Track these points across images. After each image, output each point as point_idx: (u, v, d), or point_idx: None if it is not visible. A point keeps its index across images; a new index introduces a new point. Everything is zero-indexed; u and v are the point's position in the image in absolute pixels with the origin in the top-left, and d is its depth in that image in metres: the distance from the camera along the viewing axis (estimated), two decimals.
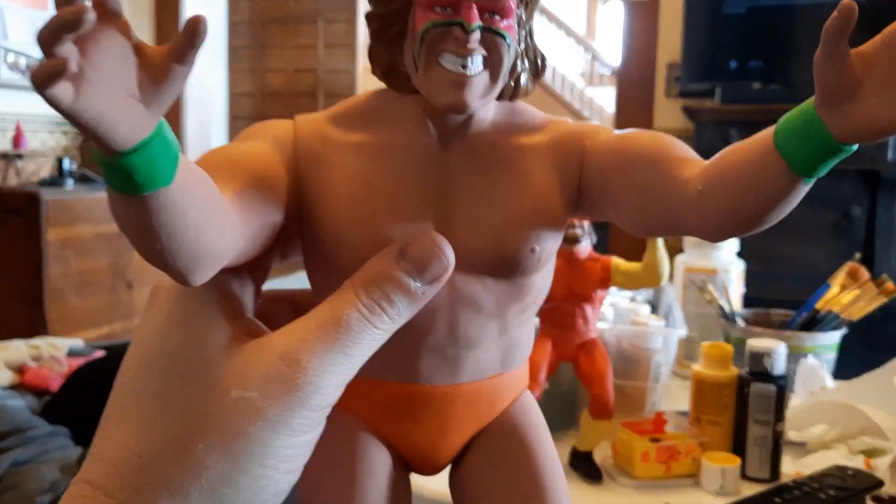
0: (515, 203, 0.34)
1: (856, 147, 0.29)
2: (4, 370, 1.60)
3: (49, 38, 0.20)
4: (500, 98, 0.35)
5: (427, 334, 0.33)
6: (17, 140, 3.08)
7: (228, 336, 0.29)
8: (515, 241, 0.33)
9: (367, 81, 6.48)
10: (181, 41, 0.22)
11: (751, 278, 1.23)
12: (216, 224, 0.27)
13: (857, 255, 1.11)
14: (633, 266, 0.79)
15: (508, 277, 0.34)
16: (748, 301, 1.24)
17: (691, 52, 3.05)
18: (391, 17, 0.33)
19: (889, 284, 1.02)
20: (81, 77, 0.21)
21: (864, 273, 1.09)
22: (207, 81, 3.98)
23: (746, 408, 0.82)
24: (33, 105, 3.25)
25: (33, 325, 2.91)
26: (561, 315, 0.80)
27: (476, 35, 0.31)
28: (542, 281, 0.36)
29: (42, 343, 1.74)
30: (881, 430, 0.86)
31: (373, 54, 0.35)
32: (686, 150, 0.34)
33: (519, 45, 0.34)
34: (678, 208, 0.33)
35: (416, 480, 0.70)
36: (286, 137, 0.34)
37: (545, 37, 7.24)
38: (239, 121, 5.77)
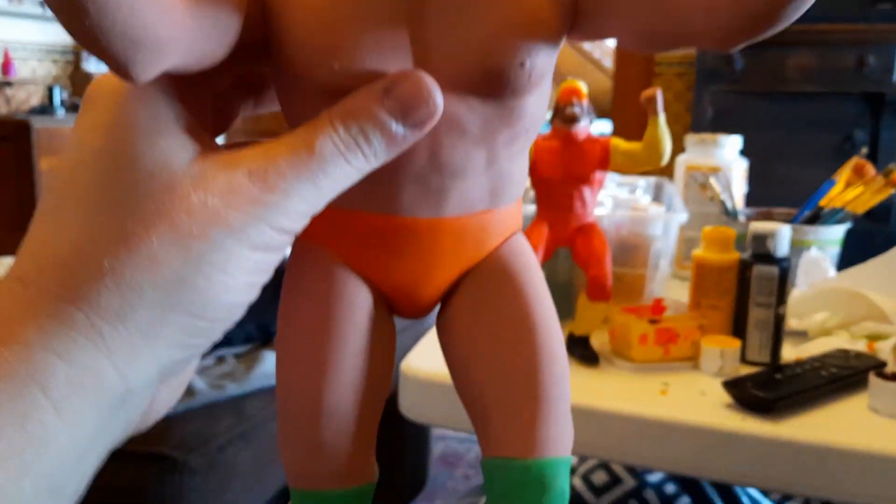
0: (502, 8, 0.29)
1: None
2: None
3: None
4: None
5: (408, 161, 0.30)
6: (5, 67, 3.03)
7: (187, 144, 0.26)
8: (502, 53, 0.29)
9: None
10: None
11: (754, 200, 1.21)
12: (162, 8, 0.23)
13: (864, 150, 1.08)
14: (633, 145, 0.77)
15: (496, 97, 0.30)
16: (747, 199, 1.22)
17: None
18: None
19: None
20: None
21: (870, 169, 1.07)
22: None
23: (748, 291, 0.80)
24: (22, 32, 3.19)
25: None
26: (558, 197, 0.78)
27: None
28: (534, 106, 0.32)
29: None
30: (885, 315, 0.85)
31: None
32: None
33: None
34: (685, 9, 0.29)
35: (408, 361, 0.68)
36: None
37: None
38: None
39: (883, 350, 0.80)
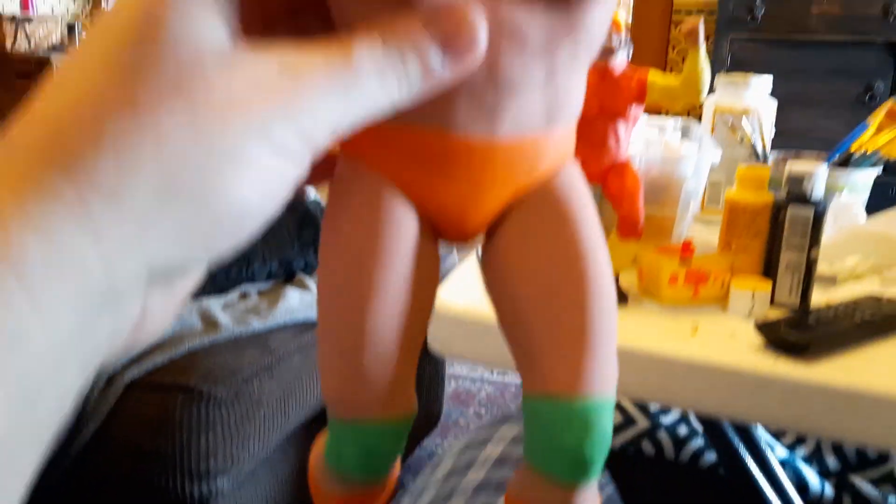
0: None
1: None
2: None
3: None
4: None
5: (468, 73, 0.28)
6: (25, 3, 3.00)
7: (223, 26, 0.24)
8: None
9: None
10: None
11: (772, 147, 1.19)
12: None
13: None
14: (671, 79, 0.75)
15: (562, 5, 0.29)
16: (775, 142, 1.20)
17: None
18: None
19: None
20: None
21: None
22: None
23: (781, 232, 0.79)
24: None
25: None
26: (592, 132, 0.77)
27: None
28: (599, 17, 0.30)
29: None
30: None
31: None
32: None
33: None
34: None
35: (441, 299, 0.67)
36: None
37: None
38: None
39: None
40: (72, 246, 0.20)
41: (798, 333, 0.67)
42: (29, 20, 2.98)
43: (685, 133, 1.13)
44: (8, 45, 2.92)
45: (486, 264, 0.33)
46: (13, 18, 2.94)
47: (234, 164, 0.22)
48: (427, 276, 0.32)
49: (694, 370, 0.68)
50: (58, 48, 3.01)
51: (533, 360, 0.31)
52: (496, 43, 0.28)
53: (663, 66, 3.53)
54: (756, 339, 0.70)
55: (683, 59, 0.75)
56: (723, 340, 0.71)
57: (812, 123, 2.82)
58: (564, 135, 0.32)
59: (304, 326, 1.41)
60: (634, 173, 0.77)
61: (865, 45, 2.76)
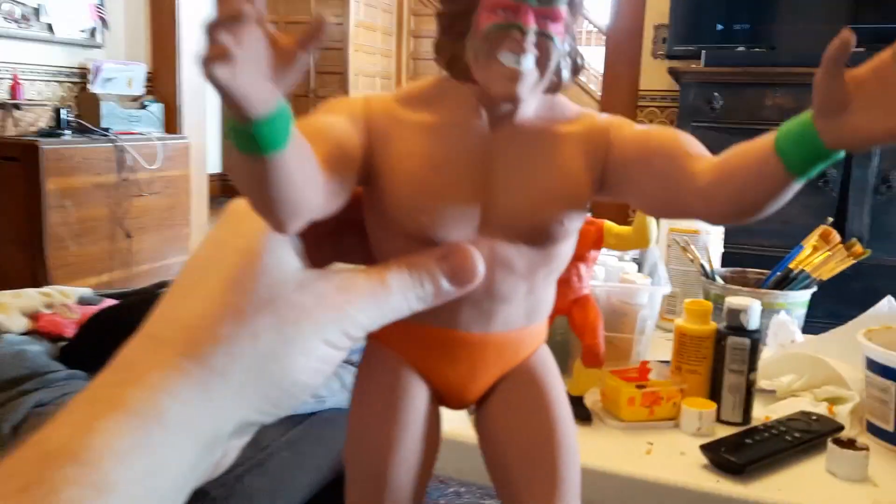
0: (550, 182, 0.39)
1: (843, 154, 0.34)
2: (20, 317, 1.67)
3: (215, 29, 0.26)
4: (545, 91, 0.40)
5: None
6: (14, 90, 3.11)
7: (297, 259, 0.36)
8: (547, 214, 0.39)
9: (357, 34, 6.47)
10: (307, 33, 0.28)
11: (727, 232, 1.31)
12: (312, 184, 0.33)
13: (829, 220, 1.19)
14: (624, 229, 0.87)
15: (539, 245, 0.40)
16: (725, 256, 1.33)
17: (678, 14, 3.10)
18: (458, 16, 0.38)
19: (857, 247, 1.10)
20: (235, 61, 0.26)
21: (836, 236, 1.18)
22: (198, 32, 3.98)
23: (723, 358, 0.91)
24: (30, 55, 3.27)
25: (34, 272, 2.98)
26: None
27: (531, 37, 0.36)
28: (566, 250, 0.42)
29: (53, 291, 1.81)
30: (844, 381, 0.96)
31: (439, 46, 0.40)
32: (699, 147, 0.40)
33: (565, 46, 0.39)
34: (688, 197, 0.38)
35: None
36: (360, 114, 0.39)
37: None
38: None
39: (841, 414, 0.91)
40: (194, 407, 0.31)
41: (736, 455, 0.78)
42: (18, 106, 3.08)
43: (641, 252, 1.26)
44: None
45: (478, 425, 0.45)
46: (3, 105, 3.04)
47: (301, 353, 0.34)
48: (432, 432, 0.43)
49: (648, 488, 0.78)
50: (45, 132, 3.10)
51: (514, 500, 0.42)
52: (492, 269, 0.41)
53: None
54: (703, 458, 0.81)
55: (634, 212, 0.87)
56: (674, 458, 0.82)
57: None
58: (540, 328, 0.45)
59: (293, 420, 1.49)
60: (595, 307, 0.88)
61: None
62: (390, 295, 0.37)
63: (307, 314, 0.34)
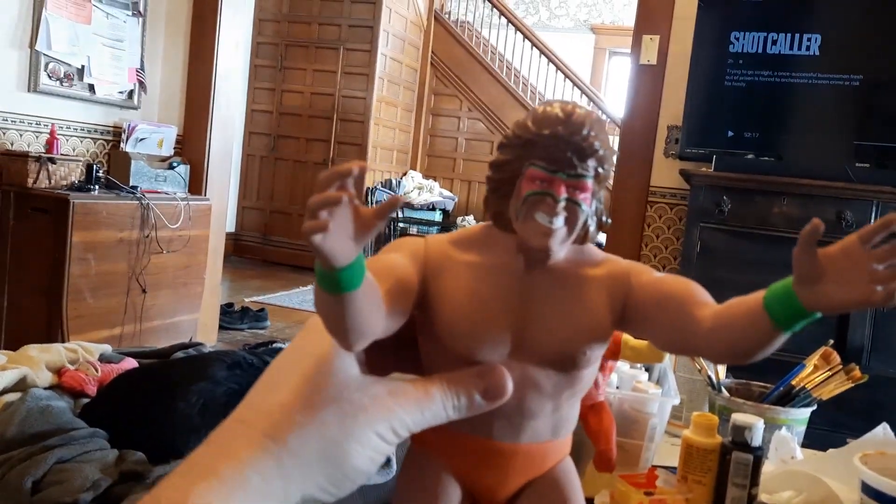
0: (576, 318, 0.47)
1: (820, 314, 0.41)
2: (45, 371, 1.73)
3: (317, 206, 0.35)
4: (574, 242, 0.48)
5: (502, 405, 0.47)
6: (50, 144, 3.22)
7: (359, 369, 0.44)
8: (574, 346, 0.47)
9: (379, 109, 6.65)
10: (384, 209, 0.37)
11: None
12: (377, 315, 0.41)
13: (830, 342, 1.26)
14: (640, 343, 0.94)
15: (565, 371, 0.48)
16: (731, 368, 1.39)
17: (691, 118, 3.22)
18: (504, 182, 0.47)
19: (856, 372, 1.17)
20: (328, 230, 0.35)
21: (836, 357, 1.24)
22: (230, 99, 4.13)
23: (727, 472, 0.96)
24: (68, 112, 3.40)
25: (51, 320, 3.04)
26: None
27: (562, 204, 0.45)
28: (589, 375, 0.50)
29: (78, 347, 1.87)
30: (840, 501, 1.01)
31: (487, 202, 0.49)
32: (704, 295, 0.47)
33: (594, 209, 0.47)
34: (693, 339, 0.46)
35: None
36: (419, 252, 0.48)
37: (551, 83, 7.43)
38: (254, 136, 5.94)
39: None
40: (271, 479, 0.40)
41: None
42: (53, 160, 3.19)
43: (650, 366, 1.32)
44: (30, 181, 3.10)
45: None
46: (38, 158, 3.14)
47: (357, 442, 0.42)
48: None
49: None
50: (75, 187, 3.20)
51: None
52: (523, 389, 0.48)
53: (639, 241, 3.80)
54: None
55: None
56: None
57: None
58: (565, 442, 0.51)
59: None
60: (610, 414, 0.95)
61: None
62: (432, 402, 0.44)
63: (364, 410, 0.42)
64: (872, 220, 2.90)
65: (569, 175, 0.45)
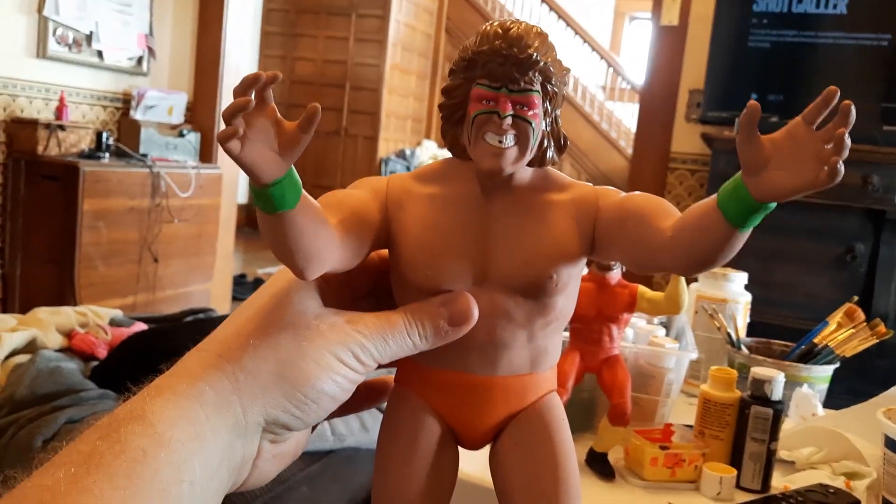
0: (540, 241, 0.46)
1: (774, 205, 0.40)
2: (55, 334, 1.72)
3: (228, 115, 0.35)
4: (531, 165, 0.47)
5: (473, 337, 0.46)
6: (59, 111, 3.20)
7: (319, 303, 0.44)
8: (539, 270, 0.45)
9: (392, 76, 6.59)
10: (306, 120, 0.37)
11: (753, 303, 1.34)
12: (322, 239, 0.41)
13: (855, 298, 1.22)
14: (657, 295, 0.91)
15: (534, 297, 0.46)
16: (751, 326, 1.36)
17: (714, 81, 3.15)
18: (455, 107, 0.46)
19: (881, 327, 1.13)
20: (245, 138, 0.35)
21: (860, 314, 1.20)
22: (238, 65, 4.09)
23: (746, 426, 0.93)
24: (77, 78, 3.37)
25: (62, 289, 3.04)
26: (589, 332, 0.92)
27: (508, 120, 0.44)
28: (563, 303, 0.47)
29: (88, 311, 1.86)
30: (862, 457, 0.98)
31: (443, 131, 0.48)
32: (670, 208, 0.45)
33: (546, 128, 0.46)
34: (657, 252, 0.44)
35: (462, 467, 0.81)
36: (381, 189, 0.48)
37: (569, 49, 7.33)
38: None
39: (858, 489, 0.93)
40: (226, 395, 0.39)
41: None
42: (62, 127, 3.17)
43: (668, 322, 1.29)
44: (40, 149, 3.09)
45: (491, 461, 0.50)
46: (48, 125, 3.13)
47: (316, 364, 0.42)
48: (448, 470, 0.49)
49: None
50: (85, 154, 3.18)
51: None
52: (493, 318, 0.47)
53: None
54: None
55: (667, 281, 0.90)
56: None
57: (799, 278, 2.99)
58: (546, 376, 0.50)
59: (312, 457, 1.52)
60: (624, 367, 0.92)
61: (847, 209, 2.97)
62: (395, 331, 0.44)
63: (321, 335, 0.42)
64: None
65: (512, 90, 0.44)
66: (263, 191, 0.37)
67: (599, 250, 0.47)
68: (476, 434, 0.48)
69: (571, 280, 0.47)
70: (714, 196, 0.41)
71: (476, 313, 0.45)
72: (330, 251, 0.42)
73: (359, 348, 0.43)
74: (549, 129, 0.47)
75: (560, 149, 0.48)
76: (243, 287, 4.70)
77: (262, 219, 0.39)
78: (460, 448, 0.50)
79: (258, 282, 4.82)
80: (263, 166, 0.37)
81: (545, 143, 0.47)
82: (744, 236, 0.41)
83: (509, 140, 0.44)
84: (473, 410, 0.48)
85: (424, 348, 0.45)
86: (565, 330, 0.99)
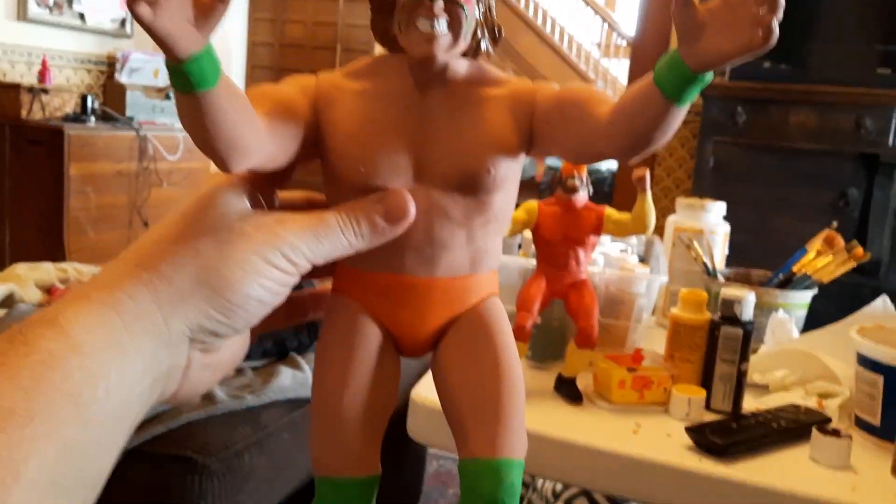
0: (476, 134, 0.44)
1: (710, 76, 0.39)
2: (34, 289, 1.71)
3: None
4: (465, 55, 0.45)
5: (409, 236, 0.44)
6: (42, 75, 3.17)
7: (245, 203, 0.42)
8: (475, 163, 0.44)
9: None
10: None
11: (745, 251, 1.32)
12: (247, 125, 0.38)
13: (834, 224, 1.20)
14: (623, 215, 0.89)
15: (472, 194, 0.44)
16: (731, 261, 1.34)
17: None
18: None
19: (858, 250, 1.11)
20: (157, 5, 0.32)
21: (840, 241, 1.18)
22: (228, 30, 4.04)
23: (716, 348, 0.92)
24: (59, 41, 3.33)
25: (53, 255, 3.02)
26: (556, 256, 0.90)
27: (439, 4, 0.42)
28: (501, 201, 0.46)
29: (69, 267, 1.85)
30: (836, 377, 0.96)
31: (373, 24, 0.46)
32: (606, 96, 0.44)
33: (478, 16, 0.45)
34: (596, 139, 0.43)
35: (416, 390, 0.80)
36: (310, 86, 0.46)
37: (563, 5, 7.24)
38: (257, 70, 5.85)
39: (830, 407, 0.92)
40: (146, 304, 0.37)
41: (720, 437, 0.80)
42: (45, 91, 3.14)
43: (648, 248, 1.27)
44: (23, 113, 3.06)
45: (433, 366, 0.48)
46: (31, 89, 3.09)
47: (241, 269, 0.40)
48: (388, 376, 0.46)
49: (632, 465, 0.80)
50: (70, 118, 3.15)
51: (464, 435, 0.45)
52: (430, 216, 0.45)
53: (652, 158, 3.71)
54: (688, 440, 0.82)
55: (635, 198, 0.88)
56: (660, 439, 0.83)
57: (789, 225, 2.97)
58: (487, 278, 0.48)
59: (294, 404, 1.51)
60: (591, 291, 0.90)
61: (840, 154, 2.95)
62: (328, 229, 0.42)
63: (245, 237, 0.40)
64: (893, 128, 2.82)
65: None
66: (180, 67, 0.34)
67: (538, 144, 0.46)
68: (417, 339, 0.47)
69: (509, 177, 0.45)
70: (650, 73, 0.40)
71: (413, 209, 0.43)
72: (256, 140, 0.39)
73: (289, 249, 0.41)
74: (482, 18, 0.45)
75: (494, 40, 0.46)
76: None
77: (181, 101, 0.36)
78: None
79: None
80: (180, 39, 0.34)
81: (479, 34, 0.45)
82: (681, 113, 0.40)
83: (442, 26, 0.42)
84: (413, 314, 0.46)
85: (360, 247, 0.43)
86: (533, 256, 0.97)
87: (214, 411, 1.39)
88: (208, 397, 1.44)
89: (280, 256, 0.40)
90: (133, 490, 1.25)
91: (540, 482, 1.67)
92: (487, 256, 0.47)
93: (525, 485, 1.75)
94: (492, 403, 0.44)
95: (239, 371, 1.59)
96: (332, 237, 0.42)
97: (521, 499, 1.72)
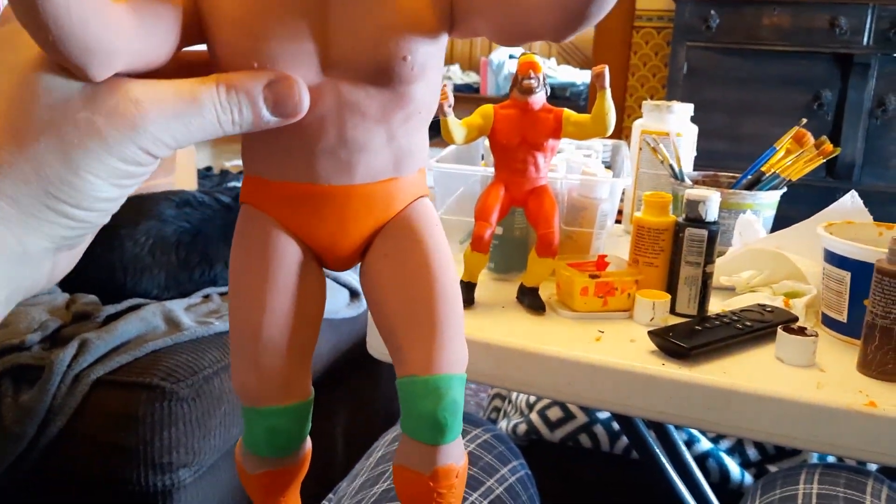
0: (388, 14, 0.37)
1: None
2: None
3: None
4: None
5: (319, 138, 0.38)
6: None
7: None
8: (388, 49, 0.37)
9: None
10: None
11: (717, 155, 1.29)
12: (102, 19, 0.31)
13: (803, 121, 1.16)
14: (582, 117, 0.85)
15: (388, 86, 0.38)
16: (699, 166, 1.31)
17: None
18: None
19: (827, 145, 1.08)
20: None
21: (809, 138, 1.15)
22: None
23: (680, 250, 0.89)
24: None
25: None
26: (514, 161, 0.86)
27: None
28: (422, 92, 0.40)
29: None
30: (804, 276, 0.95)
31: None
32: None
33: None
34: (525, 12, 0.37)
35: None
36: None
37: None
38: None
39: (796, 306, 0.90)
40: None
41: (683, 340, 0.78)
42: None
43: (615, 153, 1.24)
44: None
45: (362, 280, 0.43)
46: None
47: (94, 175, 0.33)
48: (311, 294, 0.42)
49: (594, 371, 0.78)
50: None
51: (399, 350, 0.41)
52: (342, 115, 0.39)
53: (625, 69, 3.64)
54: (651, 344, 0.80)
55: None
56: (623, 345, 0.82)
57: (764, 130, 2.94)
58: (414, 179, 0.43)
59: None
60: (552, 197, 0.87)
61: (814, 55, 2.90)
62: (201, 112, 0.35)
63: (96, 135, 0.32)
64: (868, 27, 2.76)
65: None
66: None
67: (460, 22, 0.39)
68: (340, 253, 0.42)
69: (430, 63, 0.39)
70: None
71: (307, 101, 0.37)
72: (118, 39, 0.32)
73: (150, 141, 0.33)
74: None
75: None
76: (210, 180, 4.60)
77: None
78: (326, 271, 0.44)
79: (225, 174, 4.72)
80: None
81: None
82: None
83: None
84: (333, 226, 0.41)
85: (235, 132, 0.37)
86: (492, 166, 0.94)
87: (181, 338, 1.37)
88: (174, 325, 1.41)
89: (139, 151, 0.34)
90: (102, 419, 1.23)
91: (514, 394, 1.67)
92: (412, 156, 0.42)
93: (501, 397, 1.76)
94: (425, 316, 0.40)
95: (206, 297, 1.56)
96: (203, 122, 0.35)
97: (497, 410, 1.73)
